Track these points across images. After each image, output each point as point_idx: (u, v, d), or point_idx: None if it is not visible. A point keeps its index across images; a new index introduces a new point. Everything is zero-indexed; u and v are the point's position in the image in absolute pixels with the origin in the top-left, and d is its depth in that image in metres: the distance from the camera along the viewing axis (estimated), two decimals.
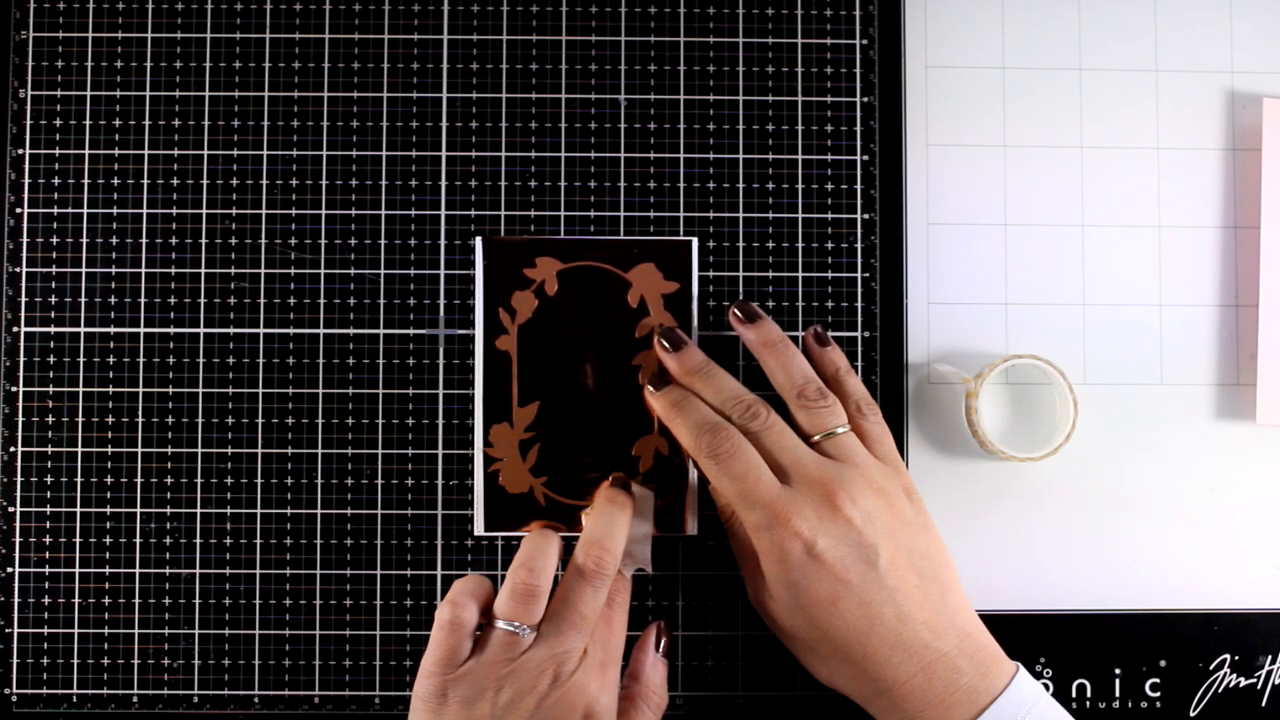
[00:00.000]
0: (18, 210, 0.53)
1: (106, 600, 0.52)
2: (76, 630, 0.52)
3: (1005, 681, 0.44)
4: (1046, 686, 0.53)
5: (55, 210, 0.53)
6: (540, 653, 0.44)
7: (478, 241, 0.53)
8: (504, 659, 0.43)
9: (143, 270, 0.53)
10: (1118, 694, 0.53)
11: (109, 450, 0.52)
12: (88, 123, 0.53)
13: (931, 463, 0.53)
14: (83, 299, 0.53)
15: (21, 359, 0.53)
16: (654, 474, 0.52)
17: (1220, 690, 0.53)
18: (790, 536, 0.45)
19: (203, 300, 0.53)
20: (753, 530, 0.46)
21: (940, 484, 0.53)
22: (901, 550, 0.45)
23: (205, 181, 0.53)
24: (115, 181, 0.53)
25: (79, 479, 0.52)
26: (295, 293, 0.53)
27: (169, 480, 0.52)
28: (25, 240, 0.53)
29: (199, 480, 0.52)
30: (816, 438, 0.48)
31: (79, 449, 0.52)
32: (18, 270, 0.53)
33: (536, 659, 0.43)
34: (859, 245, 0.54)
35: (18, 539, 0.52)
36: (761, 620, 0.51)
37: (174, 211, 0.53)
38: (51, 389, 0.52)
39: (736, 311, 0.51)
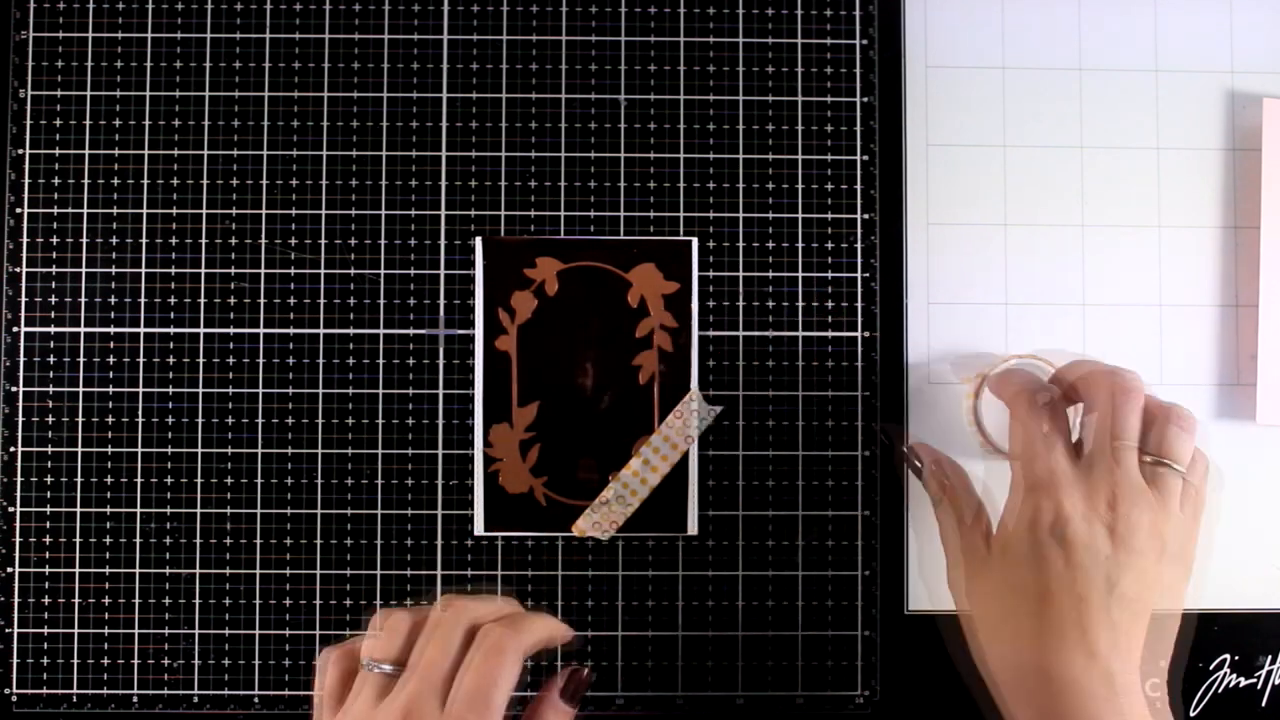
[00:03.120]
0: (18, 210, 0.53)
1: (106, 600, 0.52)
2: (76, 630, 0.52)
3: None
4: None
5: (55, 210, 0.53)
6: (400, 696, 0.40)
7: (478, 241, 0.53)
8: (371, 701, 0.40)
9: (143, 270, 0.53)
10: None
11: (109, 450, 0.52)
12: (88, 123, 0.53)
13: None
14: (83, 299, 0.53)
15: (21, 359, 0.53)
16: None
17: (1220, 690, 0.53)
18: (1052, 507, 0.43)
19: (203, 300, 0.53)
20: (1015, 486, 0.45)
21: None
22: (1141, 599, 0.43)
23: (205, 181, 0.53)
24: (115, 181, 0.53)
25: (79, 479, 0.52)
26: (295, 293, 0.53)
27: (169, 480, 0.52)
28: (25, 240, 0.53)
29: (199, 480, 0.52)
30: (1149, 459, 0.45)
31: (79, 449, 0.52)
32: (18, 270, 0.53)
33: (397, 702, 0.40)
34: (859, 245, 0.54)
35: (18, 539, 0.52)
36: (765, 621, 0.51)
37: (174, 211, 0.53)
38: (51, 389, 0.52)
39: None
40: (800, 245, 0.53)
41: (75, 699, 0.52)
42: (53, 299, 0.53)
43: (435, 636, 0.41)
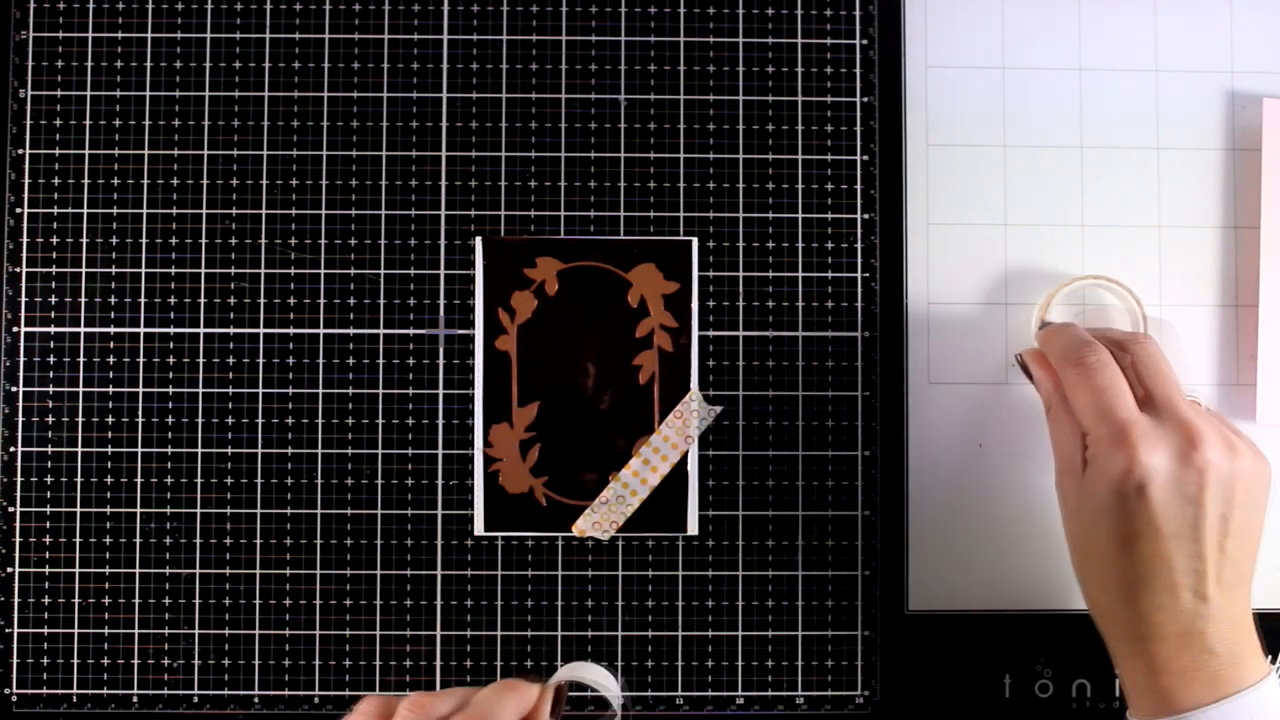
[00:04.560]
0: (18, 210, 0.53)
1: (106, 600, 0.52)
2: (76, 630, 0.52)
3: (1252, 681, 0.43)
4: (1045, 687, 0.53)
5: (55, 210, 0.53)
6: None
7: (478, 241, 0.53)
8: None
9: (143, 270, 0.53)
10: (1118, 694, 0.53)
11: (109, 450, 0.52)
12: (88, 123, 0.53)
13: (931, 465, 0.53)
14: (83, 299, 0.53)
15: (21, 359, 0.53)
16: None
17: None
18: (1132, 463, 0.43)
19: (203, 300, 0.53)
20: (1095, 445, 0.45)
21: (938, 486, 0.53)
22: (1226, 528, 0.44)
23: (205, 181, 0.53)
24: (115, 181, 0.53)
25: (79, 479, 0.52)
26: (295, 293, 0.53)
27: (169, 480, 0.52)
28: (25, 240, 0.53)
29: (199, 480, 0.52)
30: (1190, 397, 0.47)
31: (79, 449, 0.52)
32: (18, 270, 0.53)
33: None
34: (859, 245, 0.54)
35: (18, 539, 0.52)
36: (765, 621, 0.51)
37: (174, 211, 0.53)
38: (51, 389, 0.52)
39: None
40: (800, 245, 0.53)
41: (75, 699, 0.52)
42: (53, 299, 0.53)
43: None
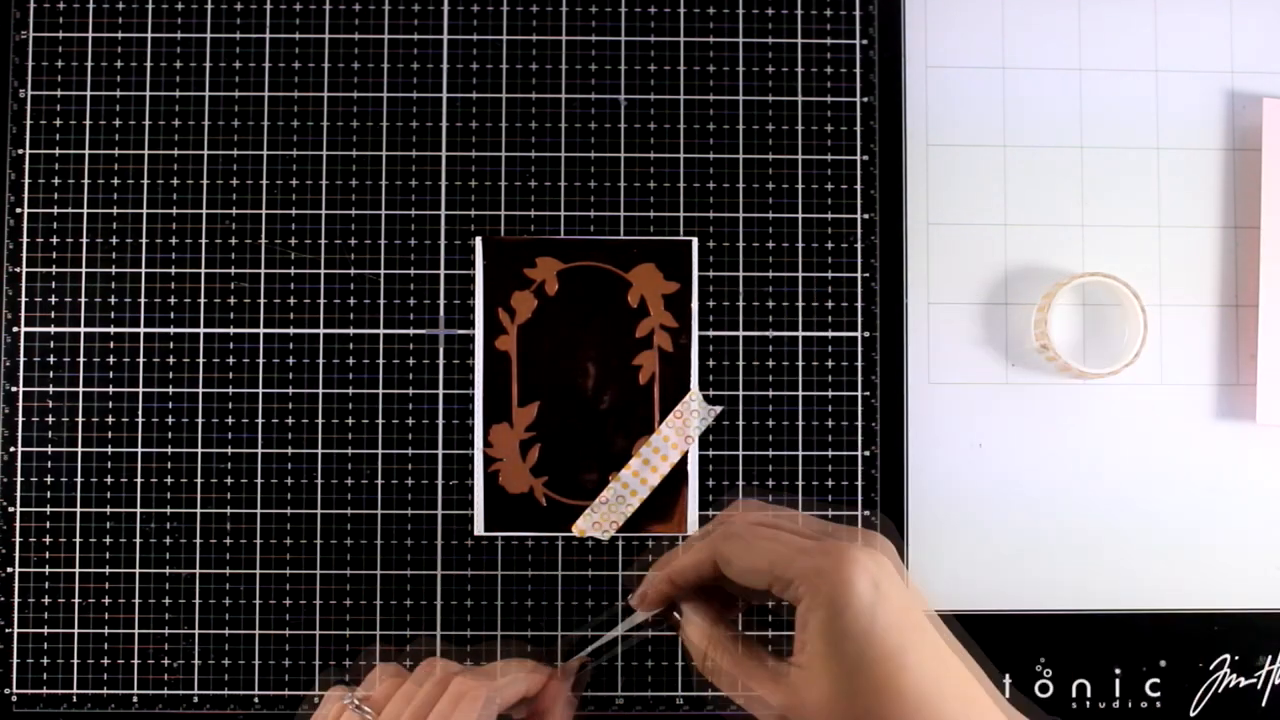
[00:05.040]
0: (18, 210, 0.53)
1: (106, 600, 0.52)
2: (76, 630, 0.52)
3: None
4: (1045, 687, 0.53)
5: (55, 210, 0.53)
6: None
7: (478, 241, 0.53)
8: None
9: (143, 270, 0.53)
10: (1118, 694, 0.53)
11: (109, 450, 0.52)
12: (88, 123, 0.53)
13: (931, 465, 0.53)
14: (83, 299, 0.53)
15: (21, 359, 0.53)
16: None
17: (1220, 690, 0.53)
18: (858, 573, 0.37)
19: (203, 300, 0.53)
20: (805, 581, 0.38)
21: (939, 487, 0.53)
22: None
23: (205, 181, 0.53)
24: (115, 181, 0.53)
25: (79, 479, 0.52)
26: (295, 293, 0.53)
27: (169, 480, 0.52)
28: (25, 240, 0.53)
29: (199, 480, 0.52)
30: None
31: (79, 449, 0.52)
32: (18, 270, 0.53)
33: None
34: (859, 245, 0.54)
35: (18, 539, 0.52)
36: (762, 620, 0.51)
37: (174, 211, 0.53)
38: (51, 389, 0.52)
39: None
40: (800, 245, 0.53)
41: (75, 699, 0.52)
42: (53, 299, 0.53)
43: (412, 683, 0.42)
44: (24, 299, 0.53)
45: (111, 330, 0.53)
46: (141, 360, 0.53)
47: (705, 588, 0.42)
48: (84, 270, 0.53)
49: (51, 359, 0.53)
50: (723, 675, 0.41)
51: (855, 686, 0.37)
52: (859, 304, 0.53)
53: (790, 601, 0.38)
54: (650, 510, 0.52)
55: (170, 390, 0.53)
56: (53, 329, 0.53)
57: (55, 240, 0.53)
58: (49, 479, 0.52)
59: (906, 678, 0.37)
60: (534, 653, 0.52)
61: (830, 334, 0.53)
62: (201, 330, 0.53)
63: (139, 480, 0.52)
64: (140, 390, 0.53)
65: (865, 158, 0.54)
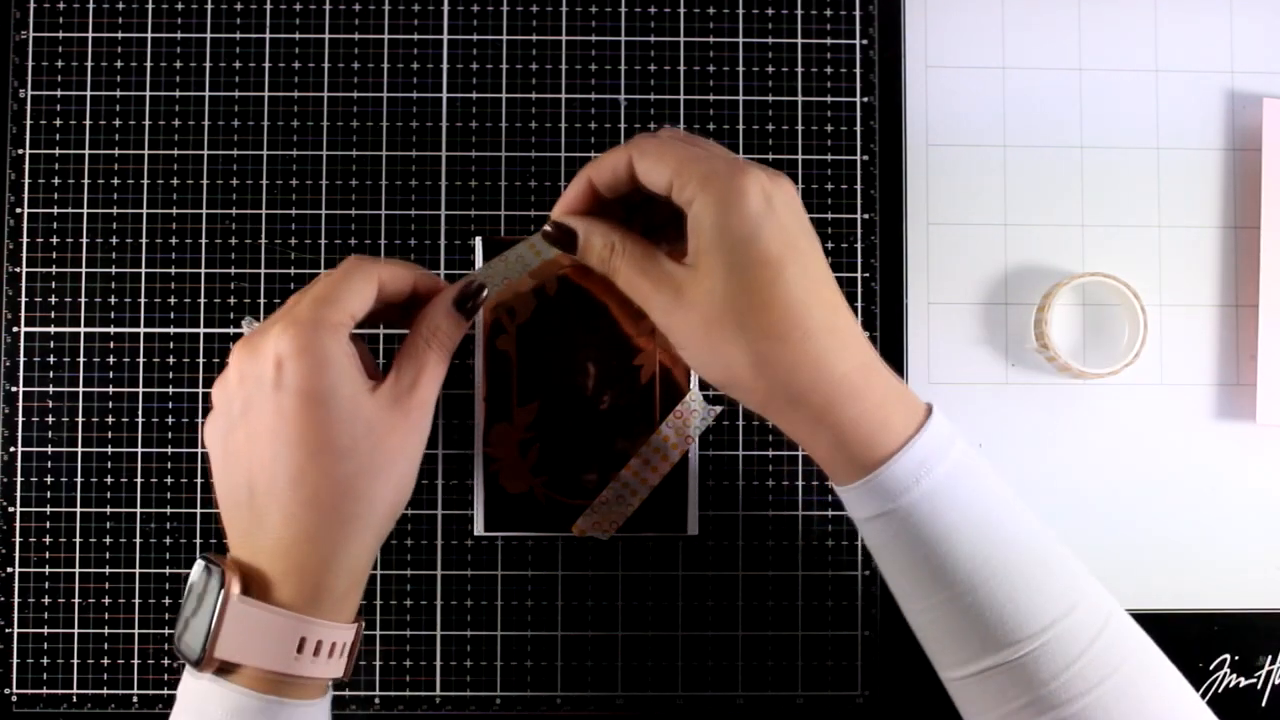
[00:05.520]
0: (18, 210, 0.53)
1: (106, 600, 0.52)
2: (76, 630, 0.52)
3: (925, 408, 0.41)
4: None
5: (55, 210, 0.53)
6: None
7: (478, 241, 0.53)
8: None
9: (143, 270, 0.53)
10: None
11: (109, 450, 0.52)
12: (88, 123, 0.53)
13: None
14: (83, 299, 0.53)
15: (21, 359, 0.53)
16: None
17: (1220, 690, 0.53)
18: (750, 182, 0.40)
19: (203, 300, 0.53)
20: (703, 181, 0.40)
21: None
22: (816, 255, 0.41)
23: (205, 181, 0.53)
24: (115, 181, 0.53)
25: (79, 479, 0.52)
26: (295, 292, 0.53)
27: (169, 480, 0.52)
28: (25, 240, 0.53)
29: (199, 480, 0.52)
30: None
31: (79, 449, 0.52)
32: (18, 270, 0.53)
33: (242, 341, 0.43)
34: (859, 245, 0.54)
35: (18, 539, 0.52)
36: (765, 621, 0.51)
37: (174, 211, 0.53)
38: (51, 389, 0.52)
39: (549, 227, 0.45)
40: None
41: (75, 699, 0.52)
42: (53, 299, 0.53)
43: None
44: (24, 299, 0.53)
45: (111, 330, 0.53)
46: (141, 360, 0.53)
47: (607, 206, 0.45)
48: (84, 270, 0.53)
49: (51, 359, 0.53)
50: (620, 275, 0.43)
51: (733, 286, 0.40)
52: (859, 304, 0.53)
53: (685, 205, 0.41)
54: (650, 510, 0.52)
55: (170, 390, 0.53)
56: (53, 329, 0.53)
57: (55, 240, 0.53)
58: (49, 479, 0.52)
59: (781, 286, 0.39)
60: (522, 665, 0.53)
61: None
62: (201, 330, 0.53)
63: (139, 480, 0.52)
64: (140, 390, 0.53)
65: (865, 158, 0.54)
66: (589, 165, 0.44)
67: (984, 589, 0.39)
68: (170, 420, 0.52)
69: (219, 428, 0.42)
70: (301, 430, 0.40)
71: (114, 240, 0.53)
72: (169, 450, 0.52)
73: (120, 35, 0.53)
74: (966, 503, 0.40)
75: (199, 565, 0.41)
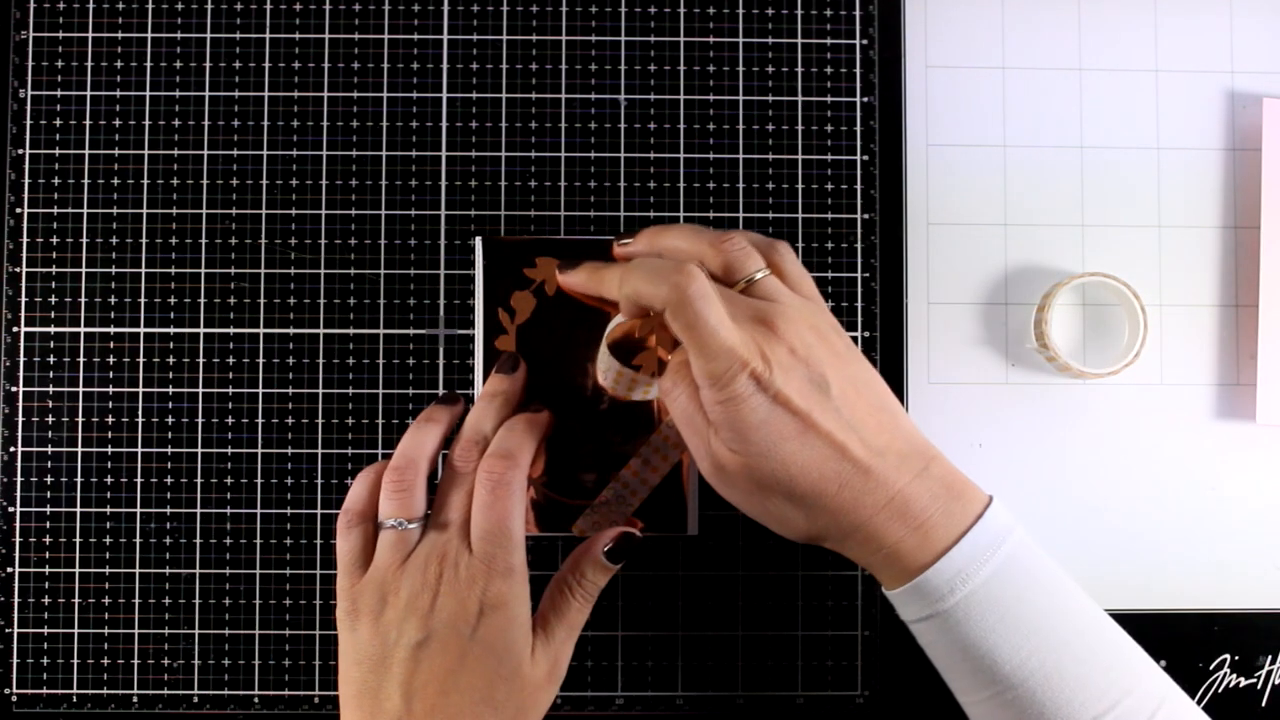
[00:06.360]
0: (18, 210, 0.53)
1: (106, 600, 0.52)
2: (76, 630, 0.52)
3: (980, 507, 0.42)
4: None
5: (55, 210, 0.53)
6: (424, 547, 0.44)
7: (478, 241, 0.53)
8: (396, 560, 0.44)
9: (143, 270, 0.53)
10: None
11: (109, 450, 0.52)
12: (88, 123, 0.53)
13: None
14: (83, 299, 0.53)
15: (21, 359, 0.53)
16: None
17: (1220, 690, 0.53)
18: (749, 377, 0.41)
19: (203, 300, 0.53)
20: (711, 379, 0.41)
21: None
22: (846, 380, 0.42)
23: (205, 181, 0.53)
24: (115, 181, 0.53)
25: (79, 479, 0.52)
26: (295, 293, 0.53)
27: (169, 480, 0.52)
28: (25, 240, 0.53)
29: (199, 480, 0.52)
30: (739, 285, 0.44)
31: (79, 449, 0.52)
32: (18, 270, 0.53)
33: (422, 554, 0.44)
34: (859, 245, 0.54)
35: (18, 539, 0.52)
36: (765, 621, 0.51)
37: (174, 211, 0.53)
38: (51, 389, 0.52)
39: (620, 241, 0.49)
40: (800, 245, 0.53)
41: (75, 699, 0.52)
42: (53, 299, 0.53)
43: (445, 485, 0.46)
44: (24, 299, 0.53)
45: (111, 330, 0.53)
46: (141, 360, 0.53)
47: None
48: (84, 270, 0.53)
49: (51, 359, 0.53)
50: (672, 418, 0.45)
51: (766, 468, 0.41)
52: (859, 304, 0.53)
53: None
54: (650, 510, 0.52)
55: (170, 390, 0.53)
56: (53, 329, 0.53)
57: (55, 240, 0.53)
58: (49, 479, 0.52)
59: (814, 449, 0.41)
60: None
61: None
62: (201, 330, 0.53)
63: (139, 480, 0.52)
64: (140, 390, 0.53)
65: (865, 158, 0.54)
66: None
67: (1023, 688, 0.40)
68: (170, 420, 0.52)
69: (386, 636, 0.43)
70: (472, 681, 0.42)
71: (114, 240, 0.53)
72: (169, 450, 0.52)
73: (120, 35, 0.53)
74: (1010, 603, 0.40)
75: None
